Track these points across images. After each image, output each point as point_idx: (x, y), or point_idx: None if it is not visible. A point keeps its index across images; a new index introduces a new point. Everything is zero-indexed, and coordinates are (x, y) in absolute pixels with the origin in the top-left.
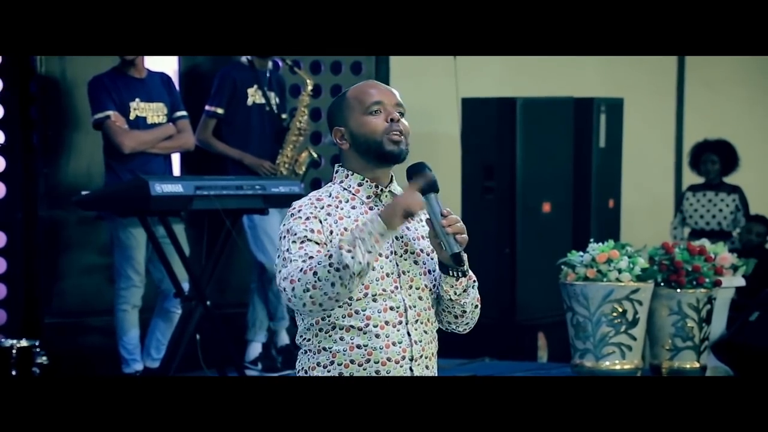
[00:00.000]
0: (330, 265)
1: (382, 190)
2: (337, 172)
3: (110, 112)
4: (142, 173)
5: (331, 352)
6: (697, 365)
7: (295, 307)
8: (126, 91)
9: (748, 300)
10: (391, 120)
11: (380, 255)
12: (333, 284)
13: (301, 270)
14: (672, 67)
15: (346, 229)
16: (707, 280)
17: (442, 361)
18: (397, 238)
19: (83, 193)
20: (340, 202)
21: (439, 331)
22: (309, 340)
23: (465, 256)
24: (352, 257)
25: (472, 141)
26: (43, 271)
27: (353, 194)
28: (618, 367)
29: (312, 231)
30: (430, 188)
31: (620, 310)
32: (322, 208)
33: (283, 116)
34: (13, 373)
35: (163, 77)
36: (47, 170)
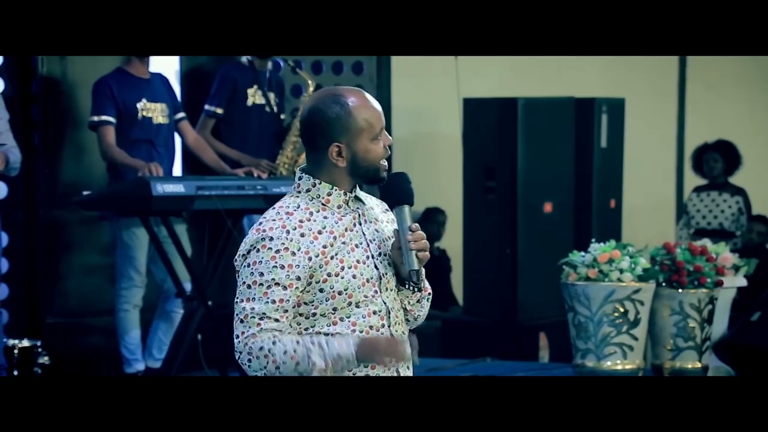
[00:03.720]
0: (296, 366)
1: (349, 197)
2: (301, 179)
3: (107, 118)
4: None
5: None
6: (699, 365)
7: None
8: (133, 92)
9: (750, 300)
10: (389, 147)
11: (358, 262)
12: (292, 374)
13: (261, 349)
14: (673, 67)
15: (324, 247)
16: (709, 280)
17: (443, 361)
18: (371, 240)
19: (84, 193)
20: (311, 213)
21: (442, 331)
22: None
23: (423, 273)
24: (318, 372)
25: (473, 141)
26: (44, 272)
27: (323, 204)
28: (619, 367)
29: (282, 267)
30: (403, 200)
31: (622, 310)
32: (294, 228)
33: (283, 117)
34: (15, 373)
35: (163, 78)
36: (48, 170)
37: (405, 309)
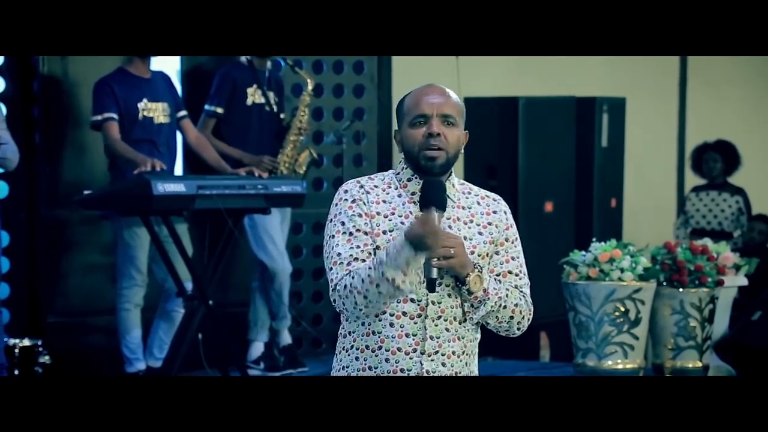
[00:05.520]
0: (377, 288)
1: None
2: (400, 162)
3: (110, 114)
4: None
5: (353, 336)
6: (700, 365)
7: (345, 312)
8: (133, 92)
9: (751, 299)
10: (429, 135)
11: None
12: (380, 300)
13: (346, 287)
14: (674, 67)
15: (381, 215)
16: (710, 279)
17: None
18: None
19: (85, 192)
20: (389, 186)
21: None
22: (343, 323)
23: (437, 282)
24: (401, 283)
25: (474, 140)
26: (45, 271)
27: (403, 186)
28: (620, 366)
29: (360, 216)
30: (431, 205)
31: (622, 309)
32: (367, 187)
33: (282, 116)
34: (16, 372)
35: (164, 76)
36: (49, 170)
37: (469, 311)
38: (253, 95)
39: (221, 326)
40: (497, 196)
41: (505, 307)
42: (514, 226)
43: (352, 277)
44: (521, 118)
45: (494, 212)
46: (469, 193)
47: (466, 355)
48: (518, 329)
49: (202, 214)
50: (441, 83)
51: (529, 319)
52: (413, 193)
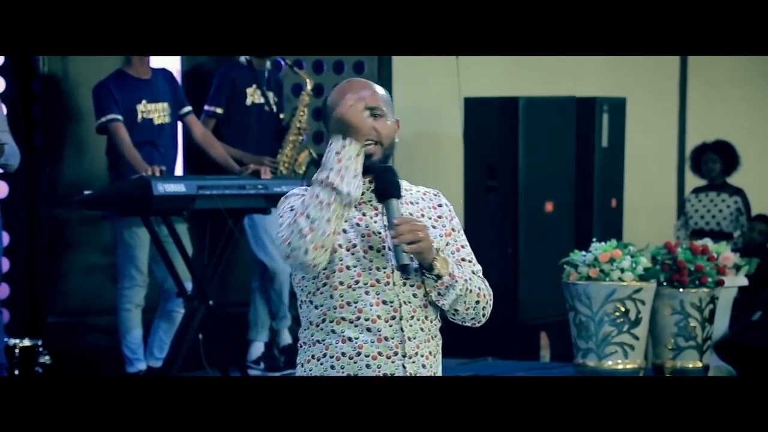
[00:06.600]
0: (319, 203)
1: (369, 186)
2: None
3: (113, 116)
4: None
5: (324, 344)
6: (700, 365)
7: (297, 262)
8: (132, 94)
9: (751, 299)
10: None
11: (370, 248)
12: (324, 209)
13: (290, 223)
14: (674, 67)
15: (352, 227)
16: (710, 279)
17: (444, 361)
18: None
19: (85, 192)
20: None
21: (443, 330)
22: (305, 332)
23: (412, 266)
24: (334, 179)
25: (474, 140)
26: (45, 271)
27: None
28: (620, 366)
29: None
30: (390, 194)
31: (623, 309)
32: None
33: (282, 116)
34: (16, 372)
35: (166, 74)
36: (50, 169)
37: (436, 299)
38: (253, 95)
39: (221, 326)
40: (436, 190)
41: (470, 291)
42: (456, 217)
43: (292, 208)
44: (521, 118)
45: (439, 205)
46: (411, 190)
47: (439, 354)
48: (483, 316)
49: (202, 214)
50: (441, 83)
51: (491, 305)
52: (362, 193)
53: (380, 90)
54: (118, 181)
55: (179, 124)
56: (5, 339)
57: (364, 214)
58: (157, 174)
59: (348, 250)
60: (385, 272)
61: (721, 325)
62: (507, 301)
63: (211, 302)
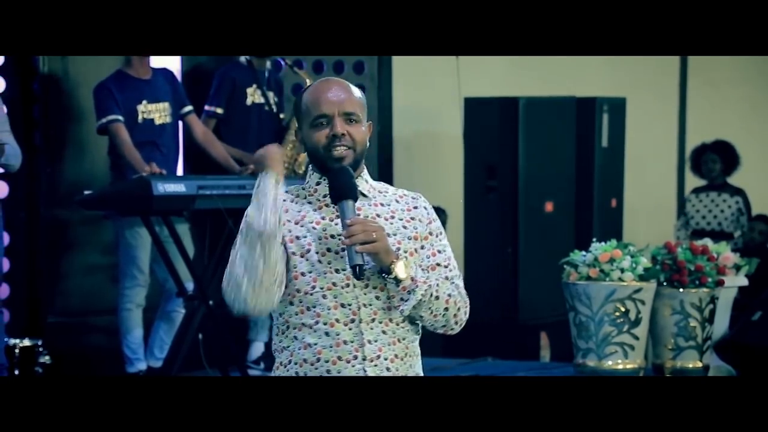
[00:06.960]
0: (248, 243)
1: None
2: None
3: (114, 117)
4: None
5: (289, 350)
6: (700, 365)
7: (242, 312)
8: (132, 94)
9: (751, 299)
10: (334, 136)
11: (328, 251)
12: (251, 251)
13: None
14: (675, 66)
15: (289, 221)
16: (710, 279)
17: (444, 361)
18: None
19: (86, 192)
20: (296, 196)
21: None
22: (275, 339)
23: (367, 267)
24: (257, 212)
25: (474, 140)
26: (45, 271)
27: (311, 193)
28: (620, 366)
29: None
30: (344, 195)
31: (623, 309)
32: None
33: (282, 116)
34: (16, 372)
35: (166, 74)
36: (50, 169)
37: (397, 305)
38: (253, 95)
39: (221, 326)
40: (416, 193)
41: (437, 297)
42: (438, 221)
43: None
44: (521, 118)
45: (415, 207)
46: (386, 192)
47: (409, 357)
48: (456, 323)
49: (203, 214)
50: (441, 83)
51: (466, 312)
52: (325, 196)
53: (356, 93)
54: (119, 180)
55: (180, 124)
56: (5, 339)
57: (323, 218)
58: (156, 172)
59: (302, 256)
60: (344, 274)
61: (721, 325)
62: (507, 301)
63: (211, 302)
